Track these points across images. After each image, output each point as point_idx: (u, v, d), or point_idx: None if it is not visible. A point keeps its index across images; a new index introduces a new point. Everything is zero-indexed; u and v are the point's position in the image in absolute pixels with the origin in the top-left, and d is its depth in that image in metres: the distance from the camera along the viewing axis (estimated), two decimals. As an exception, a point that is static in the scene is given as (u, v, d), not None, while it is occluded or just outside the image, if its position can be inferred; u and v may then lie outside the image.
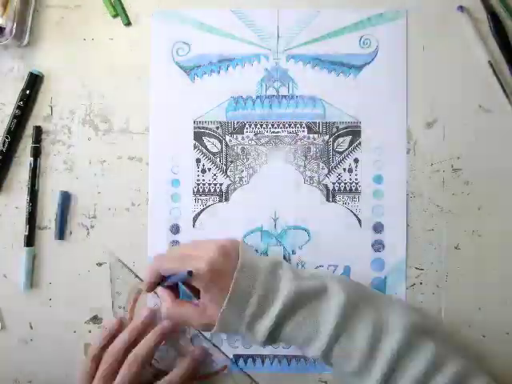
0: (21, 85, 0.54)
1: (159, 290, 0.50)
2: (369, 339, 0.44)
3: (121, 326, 0.52)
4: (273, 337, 0.46)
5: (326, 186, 0.54)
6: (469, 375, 0.43)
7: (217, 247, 0.47)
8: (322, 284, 0.47)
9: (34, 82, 0.54)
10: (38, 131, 0.54)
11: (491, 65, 0.52)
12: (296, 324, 0.45)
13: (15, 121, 0.53)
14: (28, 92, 0.53)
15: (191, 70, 0.54)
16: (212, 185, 0.54)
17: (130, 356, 0.48)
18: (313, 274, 0.49)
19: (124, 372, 0.47)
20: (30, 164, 0.54)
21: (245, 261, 0.47)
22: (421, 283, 0.54)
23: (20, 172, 0.55)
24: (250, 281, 0.46)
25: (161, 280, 0.49)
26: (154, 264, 0.49)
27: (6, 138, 0.53)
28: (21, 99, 0.53)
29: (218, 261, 0.46)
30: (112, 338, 0.50)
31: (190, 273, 0.45)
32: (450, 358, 0.44)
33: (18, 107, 0.53)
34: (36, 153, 0.54)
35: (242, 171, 0.54)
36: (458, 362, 0.44)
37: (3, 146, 0.53)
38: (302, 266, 0.54)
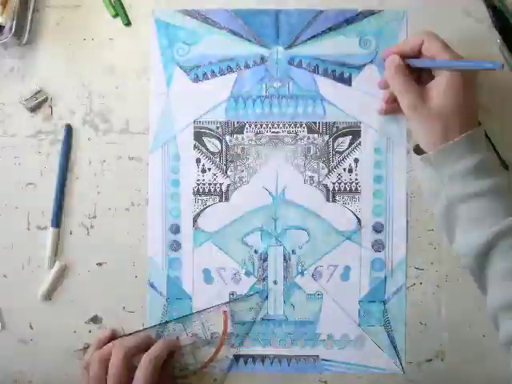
0: (21, 85, 0.54)
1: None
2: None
3: (112, 337, 0.52)
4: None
5: (326, 186, 0.54)
6: None
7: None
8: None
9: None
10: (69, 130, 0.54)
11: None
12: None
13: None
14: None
15: (191, 70, 0.54)
16: (212, 185, 0.54)
17: (146, 356, 0.48)
18: None
19: (138, 374, 0.47)
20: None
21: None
22: (421, 283, 0.54)
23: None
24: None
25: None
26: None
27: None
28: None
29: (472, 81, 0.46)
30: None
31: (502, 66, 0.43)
32: None
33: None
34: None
35: (242, 171, 0.54)
36: None
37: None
38: (302, 265, 0.54)
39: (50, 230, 0.54)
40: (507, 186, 0.46)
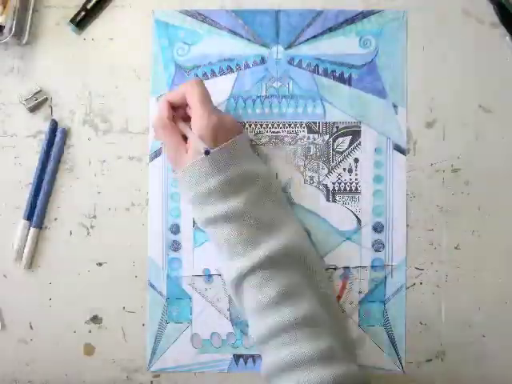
0: (21, 85, 0.54)
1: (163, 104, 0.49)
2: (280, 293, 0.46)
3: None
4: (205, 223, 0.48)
5: (326, 186, 0.54)
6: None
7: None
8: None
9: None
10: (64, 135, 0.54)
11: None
12: (233, 231, 0.47)
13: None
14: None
15: (191, 70, 0.54)
16: (212, 185, 0.54)
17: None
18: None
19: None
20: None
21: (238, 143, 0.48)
22: (421, 283, 0.54)
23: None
24: (235, 158, 0.47)
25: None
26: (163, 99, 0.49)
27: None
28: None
29: (223, 121, 0.48)
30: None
31: (206, 152, 0.46)
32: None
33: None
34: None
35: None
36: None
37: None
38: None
39: (21, 223, 0.54)
40: (244, 208, 0.47)
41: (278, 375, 0.45)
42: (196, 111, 0.47)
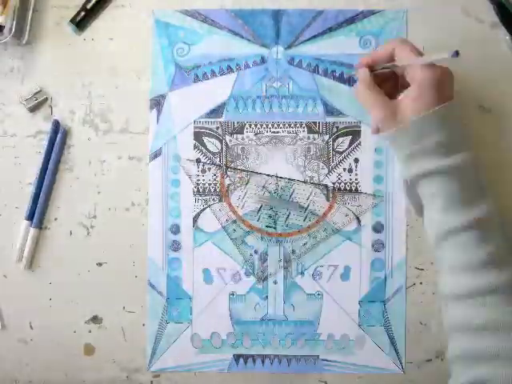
0: (21, 85, 0.54)
1: (361, 71, 0.49)
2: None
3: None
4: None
5: (326, 186, 0.54)
6: None
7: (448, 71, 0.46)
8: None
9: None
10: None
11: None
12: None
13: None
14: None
15: (191, 70, 0.54)
16: (212, 185, 0.54)
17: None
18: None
19: None
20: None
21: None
22: (421, 283, 0.54)
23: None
24: (455, 119, 0.45)
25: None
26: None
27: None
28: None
29: (447, 75, 0.46)
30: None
31: (456, 53, 0.42)
32: None
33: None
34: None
35: (242, 171, 0.54)
36: None
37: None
38: (302, 265, 0.54)
39: (23, 223, 0.54)
40: (472, 163, 0.46)
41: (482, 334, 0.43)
42: (416, 62, 0.46)
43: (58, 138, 0.54)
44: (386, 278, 0.54)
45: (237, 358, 0.54)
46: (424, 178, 0.46)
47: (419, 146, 0.45)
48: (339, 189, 0.54)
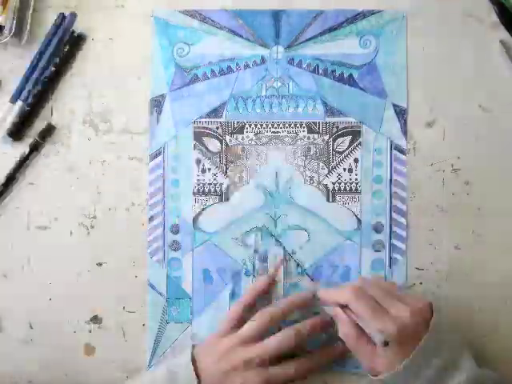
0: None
1: (338, 309, 0.48)
2: None
3: (267, 287, 0.53)
4: None
5: (326, 186, 0.54)
6: None
7: (413, 313, 0.44)
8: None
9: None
10: (49, 129, 0.54)
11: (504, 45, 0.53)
12: None
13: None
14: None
15: (191, 70, 0.54)
16: (212, 185, 0.54)
17: (289, 329, 0.48)
18: None
19: (278, 338, 0.48)
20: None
21: (436, 326, 0.45)
22: (421, 283, 0.54)
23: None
24: (436, 345, 0.44)
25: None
26: (350, 292, 0.47)
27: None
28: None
29: (409, 328, 0.44)
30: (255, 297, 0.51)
31: (385, 343, 0.43)
32: None
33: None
34: (35, 147, 0.54)
35: (242, 171, 0.54)
36: None
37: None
38: (302, 266, 0.54)
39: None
40: None
41: None
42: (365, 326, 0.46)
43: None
44: (385, 278, 0.54)
45: (237, 358, 0.54)
46: None
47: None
48: (339, 189, 0.54)
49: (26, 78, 0.54)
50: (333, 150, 0.54)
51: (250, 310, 0.51)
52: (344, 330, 0.47)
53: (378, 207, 0.54)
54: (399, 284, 0.53)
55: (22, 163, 0.54)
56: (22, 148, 0.54)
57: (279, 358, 0.49)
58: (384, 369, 0.45)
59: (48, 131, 0.54)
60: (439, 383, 0.44)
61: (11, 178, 0.54)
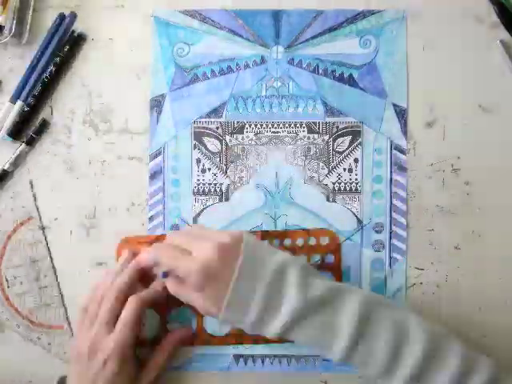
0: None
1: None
2: (391, 342, 0.42)
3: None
4: (284, 338, 0.43)
5: (326, 186, 0.54)
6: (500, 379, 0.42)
7: (214, 246, 0.43)
8: (335, 286, 0.44)
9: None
10: (43, 125, 0.54)
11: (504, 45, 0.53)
12: (309, 330, 0.43)
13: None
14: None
15: (191, 70, 0.54)
16: (212, 185, 0.54)
17: (132, 297, 0.47)
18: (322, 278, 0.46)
19: (126, 313, 0.46)
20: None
21: (244, 265, 0.43)
22: (421, 283, 0.54)
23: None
24: (249, 289, 0.43)
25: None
26: (151, 252, 0.47)
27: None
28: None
29: (213, 263, 0.43)
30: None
31: (164, 275, 0.45)
32: (477, 361, 0.43)
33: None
34: (31, 142, 0.54)
35: (242, 171, 0.54)
36: (485, 366, 0.43)
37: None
38: (302, 265, 0.54)
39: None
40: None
41: None
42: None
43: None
44: (386, 277, 0.54)
45: (237, 358, 0.54)
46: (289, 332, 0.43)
47: (251, 315, 0.43)
48: (339, 189, 0.54)
49: (26, 78, 0.54)
50: (333, 149, 0.54)
51: None
52: (167, 284, 0.47)
53: (378, 207, 0.54)
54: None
55: (18, 158, 0.54)
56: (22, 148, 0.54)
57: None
58: (214, 311, 0.43)
59: (43, 126, 0.54)
60: (264, 323, 0.43)
61: (6, 174, 0.54)
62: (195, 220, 0.54)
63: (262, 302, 0.43)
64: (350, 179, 0.54)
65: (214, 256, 0.43)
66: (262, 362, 0.54)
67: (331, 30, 0.54)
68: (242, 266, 0.43)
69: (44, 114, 0.55)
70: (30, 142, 0.54)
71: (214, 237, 0.45)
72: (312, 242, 0.53)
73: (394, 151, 0.54)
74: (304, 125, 0.54)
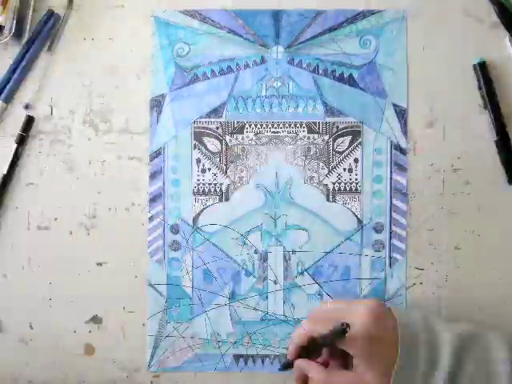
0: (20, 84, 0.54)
1: (305, 362, 0.46)
2: None
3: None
4: None
5: (326, 186, 0.54)
6: None
7: (368, 311, 0.44)
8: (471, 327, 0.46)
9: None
10: (30, 121, 0.54)
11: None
12: (470, 364, 0.44)
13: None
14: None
15: (191, 70, 0.54)
16: (212, 185, 0.54)
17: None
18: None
19: None
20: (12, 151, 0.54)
21: (403, 323, 0.45)
22: (421, 283, 0.54)
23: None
24: (412, 340, 0.44)
25: (308, 344, 0.46)
26: (304, 326, 0.46)
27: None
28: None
29: (371, 326, 0.43)
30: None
31: (345, 326, 0.42)
32: None
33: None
34: (21, 141, 0.54)
35: (242, 171, 0.55)
36: None
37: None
38: (302, 265, 0.54)
39: None
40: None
41: None
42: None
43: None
44: (386, 277, 0.54)
45: (237, 358, 0.54)
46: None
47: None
48: (339, 189, 0.54)
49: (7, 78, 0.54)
50: (333, 149, 0.54)
51: None
52: (309, 367, 0.46)
53: (378, 207, 0.54)
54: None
55: (14, 160, 0.54)
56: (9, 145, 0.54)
57: None
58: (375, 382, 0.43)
59: (29, 123, 0.54)
60: (432, 369, 0.43)
61: (7, 176, 0.54)
62: (195, 220, 0.54)
63: (426, 346, 0.44)
64: (350, 179, 0.54)
65: (372, 320, 0.44)
66: (262, 362, 0.54)
67: (331, 30, 0.54)
68: (402, 324, 0.45)
69: (44, 113, 0.55)
70: (22, 141, 0.54)
71: (362, 304, 0.46)
72: None
73: (394, 151, 0.54)
74: (304, 125, 0.54)
